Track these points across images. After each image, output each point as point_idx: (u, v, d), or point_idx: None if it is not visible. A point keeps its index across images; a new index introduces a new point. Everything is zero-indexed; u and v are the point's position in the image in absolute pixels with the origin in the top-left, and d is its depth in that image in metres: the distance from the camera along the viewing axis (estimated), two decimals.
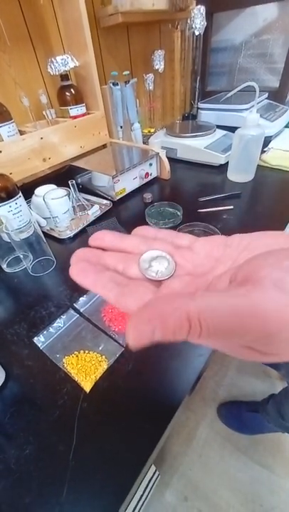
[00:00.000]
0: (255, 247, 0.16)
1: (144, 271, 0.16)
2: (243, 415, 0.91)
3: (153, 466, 0.64)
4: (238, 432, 0.92)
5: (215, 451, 0.92)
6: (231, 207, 0.62)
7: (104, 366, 0.34)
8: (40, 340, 0.38)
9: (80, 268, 0.16)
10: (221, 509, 0.82)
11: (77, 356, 0.35)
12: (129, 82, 0.80)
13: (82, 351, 0.36)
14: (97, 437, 0.28)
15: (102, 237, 0.19)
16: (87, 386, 0.32)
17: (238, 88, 0.60)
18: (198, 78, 1.16)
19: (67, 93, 0.70)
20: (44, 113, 0.72)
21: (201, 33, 0.95)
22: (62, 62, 0.64)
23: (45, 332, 0.39)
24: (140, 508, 0.65)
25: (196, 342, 0.13)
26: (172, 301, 0.12)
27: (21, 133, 0.65)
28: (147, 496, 0.68)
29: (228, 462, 0.90)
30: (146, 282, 0.16)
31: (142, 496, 0.63)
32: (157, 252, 0.18)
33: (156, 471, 0.69)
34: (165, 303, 0.13)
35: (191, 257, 0.17)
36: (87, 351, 0.36)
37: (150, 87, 0.95)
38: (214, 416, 0.97)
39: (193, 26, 0.92)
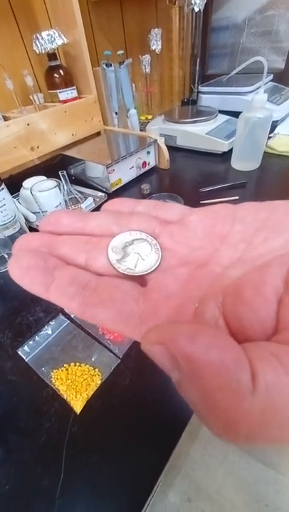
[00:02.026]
0: (277, 224, 0.11)
1: (115, 264, 0.11)
2: None
3: None
4: None
5: (218, 451, 0.90)
6: (236, 197, 0.57)
7: (98, 382, 0.30)
8: (25, 351, 0.33)
9: (24, 266, 0.11)
10: (225, 509, 0.80)
11: (66, 370, 0.31)
12: (123, 62, 0.73)
13: (72, 364, 0.32)
14: (88, 468, 0.24)
15: (58, 219, 0.13)
16: (77, 406, 0.28)
17: (245, 64, 0.54)
18: (198, 61, 1.09)
19: (55, 75, 0.64)
20: (31, 97, 0.66)
21: (201, 10, 0.88)
22: (49, 39, 0.58)
23: (30, 342, 0.34)
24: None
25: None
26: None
27: (6, 119, 0.59)
28: (150, 500, 0.66)
29: (231, 461, 0.88)
30: (123, 281, 0.11)
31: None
32: (134, 233, 0.12)
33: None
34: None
35: (185, 237, 0.12)
36: (78, 363, 0.32)
37: (147, 70, 0.88)
38: None
39: (193, 2, 0.85)
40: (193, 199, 0.58)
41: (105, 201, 0.61)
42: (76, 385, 0.29)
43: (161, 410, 0.27)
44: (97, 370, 0.31)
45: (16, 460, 0.25)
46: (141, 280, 0.12)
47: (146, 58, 0.86)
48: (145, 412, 0.27)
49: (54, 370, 0.31)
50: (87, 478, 0.24)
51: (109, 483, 0.24)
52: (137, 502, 0.23)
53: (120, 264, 0.11)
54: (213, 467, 0.87)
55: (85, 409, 0.28)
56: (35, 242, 0.12)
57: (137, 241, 0.12)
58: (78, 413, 0.28)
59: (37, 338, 0.35)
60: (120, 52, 0.73)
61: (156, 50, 0.88)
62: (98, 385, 0.30)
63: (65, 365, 0.32)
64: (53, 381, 0.30)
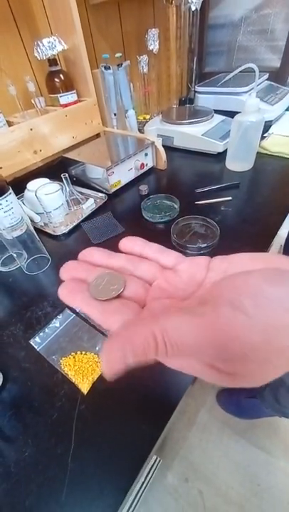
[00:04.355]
0: (232, 270, 0.16)
1: (93, 294, 0.17)
2: (241, 401, 0.93)
3: (154, 455, 0.66)
4: (236, 417, 0.95)
5: (214, 435, 0.95)
6: (230, 198, 0.60)
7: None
8: (36, 342, 0.37)
9: (70, 289, 0.17)
10: (220, 489, 0.86)
11: (74, 357, 0.35)
12: (121, 65, 0.75)
13: (79, 352, 0.36)
14: (95, 439, 0.29)
15: (91, 254, 0.19)
16: (84, 388, 0.32)
17: (237, 70, 0.57)
18: (195, 58, 1.10)
19: (56, 79, 0.66)
20: (33, 101, 0.68)
21: (198, 8, 0.89)
22: (50, 46, 0.60)
23: (41, 333, 0.38)
24: (143, 491, 0.68)
25: (168, 363, 0.15)
26: (139, 324, 0.14)
27: (9, 124, 0.62)
28: (149, 480, 0.71)
29: (227, 445, 0.93)
30: (130, 302, 0.17)
31: (143, 482, 0.65)
32: (108, 272, 0.18)
33: (157, 458, 0.71)
34: (133, 327, 0.14)
35: (174, 280, 0.18)
36: (84, 352, 0.36)
37: (144, 70, 0.90)
38: (213, 402, 0.99)
39: (190, 0, 0.86)
40: (189, 199, 0.61)
41: (105, 202, 0.64)
42: (83, 370, 0.34)
43: (156, 391, 0.32)
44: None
45: (33, 433, 0.30)
46: (141, 303, 0.17)
47: (144, 58, 0.88)
48: (143, 393, 0.32)
49: (63, 358, 0.35)
50: (94, 446, 0.28)
51: (112, 450, 0.28)
52: (135, 465, 0.27)
53: (97, 294, 0.17)
54: (210, 451, 0.93)
55: (91, 390, 0.32)
56: (79, 267, 0.18)
57: (109, 277, 0.18)
58: (85, 394, 0.32)
59: (46, 330, 0.39)
60: (118, 54, 0.75)
61: (154, 50, 0.90)
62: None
63: (72, 353, 0.36)
64: (62, 367, 0.34)
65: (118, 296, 0.17)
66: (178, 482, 0.88)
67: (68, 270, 0.18)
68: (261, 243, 0.50)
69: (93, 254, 0.19)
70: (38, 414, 0.31)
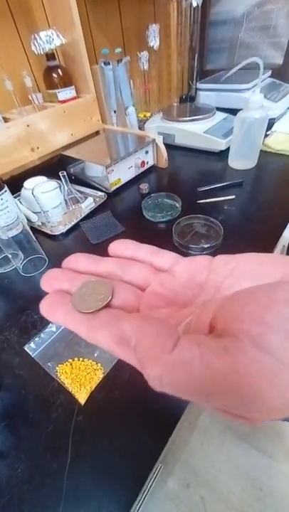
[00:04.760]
0: (240, 273, 0.14)
1: (77, 306, 0.14)
2: None
3: None
4: None
5: (216, 439, 0.94)
6: (233, 197, 0.58)
7: (100, 375, 0.32)
8: (31, 348, 0.36)
9: (50, 303, 0.15)
10: (222, 494, 0.84)
11: (71, 364, 0.33)
12: (121, 60, 0.73)
13: (76, 359, 0.34)
14: (93, 454, 0.27)
15: (77, 261, 0.17)
16: (81, 398, 0.30)
17: (241, 65, 0.55)
18: (197, 56, 1.09)
19: (54, 74, 0.64)
20: (30, 97, 0.66)
21: (199, 4, 0.87)
22: (47, 39, 0.58)
23: (36, 338, 0.36)
24: (144, 498, 0.66)
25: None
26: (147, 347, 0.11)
27: (6, 120, 0.60)
28: (150, 488, 0.69)
29: (228, 449, 0.92)
30: (118, 311, 0.14)
31: (144, 490, 0.63)
32: (92, 280, 0.16)
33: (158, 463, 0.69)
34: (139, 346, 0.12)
35: (171, 284, 0.16)
36: (81, 359, 0.34)
37: (145, 67, 0.88)
38: None
39: None
40: (191, 198, 0.59)
41: (105, 201, 0.62)
42: (80, 379, 0.32)
43: (158, 401, 0.30)
44: (99, 364, 0.33)
45: (27, 447, 0.28)
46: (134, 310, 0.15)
47: (145, 55, 0.86)
48: (144, 403, 0.30)
49: (59, 365, 0.33)
50: (92, 461, 0.26)
51: (112, 466, 0.26)
52: (137, 482, 0.25)
53: (80, 306, 0.15)
54: (212, 455, 0.91)
55: (89, 400, 0.30)
56: (61, 276, 0.16)
57: (95, 285, 0.15)
58: (83, 404, 0.30)
59: (42, 335, 0.37)
60: (118, 50, 0.74)
61: (155, 47, 0.88)
62: (101, 379, 0.32)
63: (69, 360, 0.34)
64: (59, 375, 0.32)
65: (106, 306, 0.14)
66: (179, 487, 0.87)
67: (49, 280, 0.16)
68: (266, 243, 0.48)
69: (78, 260, 0.17)
70: (32, 426, 0.29)
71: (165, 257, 0.17)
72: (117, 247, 0.18)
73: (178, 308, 0.15)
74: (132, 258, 0.17)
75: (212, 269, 0.15)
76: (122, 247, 0.18)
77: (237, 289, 0.14)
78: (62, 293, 0.15)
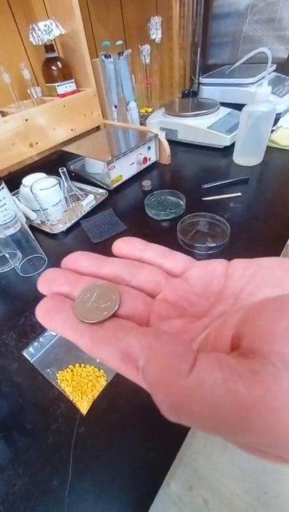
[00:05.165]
0: (261, 281, 0.13)
1: (78, 315, 0.13)
2: None
3: None
4: None
5: (219, 441, 0.92)
6: (239, 194, 0.56)
7: (103, 383, 0.30)
8: (30, 353, 0.34)
9: (46, 309, 0.13)
10: (225, 497, 0.83)
11: (72, 371, 0.31)
12: (122, 53, 0.71)
13: (77, 365, 0.32)
14: (96, 469, 0.25)
15: (78, 260, 0.15)
16: (83, 407, 0.28)
17: (248, 56, 0.53)
18: (199, 50, 1.06)
19: (53, 67, 0.62)
20: (29, 91, 0.64)
21: None
22: (46, 30, 0.56)
23: (35, 343, 0.34)
24: None
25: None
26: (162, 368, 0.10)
27: (3, 114, 0.58)
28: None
29: (232, 451, 0.90)
30: (128, 322, 0.13)
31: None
32: (98, 284, 0.14)
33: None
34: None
35: (185, 292, 0.14)
36: (83, 365, 0.32)
37: (146, 61, 0.86)
38: None
39: None
40: (195, 196, 0.57)
41: (106, 198, 0.60)
42: (82, 386, 0.30)
43: None
44: (102, 371, 0.31)
45: (25, 461, 0.26)
46: (142, 322, 0.13)
47: (146, 48, 0.84)
48: (150, 414, 0.28)
49: (59, 371, 0.31)
50: (95, 477, 0.24)
51: (116, 483, 0.24)
52: (143, 501, 0.23)
53: (84, 315, 0.13)
54: (215, 457, 0.89)
55: (91, 410, 0.28)
56: (60, 278, 0.14)
57: (100, 290, 0.14)
58: (85, 414, 0.28)
59: (41, 339, 0.35)
60: (119, 42, 0.71)
61: (156, 40, 0.86)
62: (103, 387, 0.30)
63: (70, 366, 0.32)
64: (59, 382, 0.31)
65: (112, 316, 0.13)
66: (182, 490, 0.85)
67: (47, 282, 0.14)
68: (275, 242, 0.46)
69: (79, 260, 0.15)
70: (31, 437, 0.27)
71: (178, 260, 0.15)
72: (122, 246, 0.16)
73: (192, 320, 0.13)
74: (139, 259, 0.15)
75: (229, 275, 0.14)
76: (129, 246, 0.16)
77: (258, 298, 0.12)
78: (62, 297, 0.14)
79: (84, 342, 0.12)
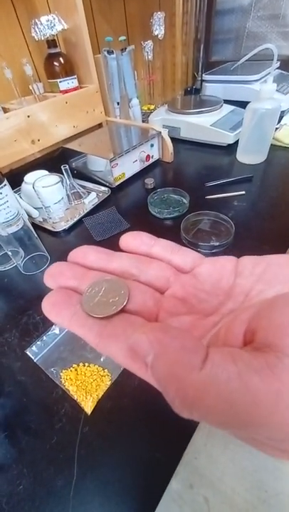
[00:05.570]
0: (271, 278, 0.12)
1: (86, 309, 0.12)
2: None
3: None
4: None
5: (219, 440, 0.92)
6: (243, 192, 0.56)
7: (107, 382, 0.30)
8: (33, 352, 0.33)
9: (53, 302, 0.13)
10: (226, 496, 0.83)
11: (76, 370, 0.31)
12: (125, 49, 0.70)
13: (81, 364, 0.32)
14: (101, 469, 0.25)
15: (85, 254, 0.15)
16: (88, 407, 0.28)
17: (253, 52, 0.52)
18: (202, 46, 1.05)
19: (55, 63, 0.61)
20: (31, 87, 0.63)
21: None
22: (48, 25, 0.55)
23: (38, 342, 0.34)
24: None
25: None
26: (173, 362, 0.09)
27: (5, 111, 0.57)
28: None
29: (232, 450, 0.90)
30: (136, 317, 0.12)
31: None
32: (106, 278, 0.14)
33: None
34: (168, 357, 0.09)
35: (194, 288, 0.14)
36: (87, 364, 0.32)
37: (149, 57, 0.85)
38: None
39: None
40: (199, 194, 0.57)
41: (108, 196, 0.60)
42: (86, 386, 0.30)
43: (172, 410, 0.28)
44: (106, 370, 0.31)
45: (29, 461, 0.26)
46: (151, 318, 0.13)
47: (149, 44, 0.83)
48: (156, 413, 0.28)
49: (63, 371, 0.31)
50: (100, 477, 0.24)
51: (122, 483, 0.24)
52: (149, 502, 0.23)
53: (92, 310, 0.13)
54: (216, 456, 0.89)
55: (95, 410, 0.28)
56: (67, 272, 0.14)
57: (108, 284, 0.13)
58: (89, 414, 0.28)
59: (45, 338, 0.35)
60: (122, 38, 0.70)
61: (159, 36, 0.85)
62: (108, 386, 0.30)
63: (74, 365, 0.32)
64: (63, 381, 0.30)
65: (121, 311, 0.12)
66: (182, 488, 0.85)
67: (54, 275, 0.14)
68: (280, 241, 0.45)
69: (87, 254, 0.15)
70: (35, 437, 0.27)
71: (187, 256, 0.15)
72: (129, 240, 0.15)
73: (201, 317, 0.13)
74: (147, 254, 0.15)
75: (238, 272, 0.13)
76: (136, 240, 0.15)
77: (268, 296, 0.12)
78: (69, 291, 0.13)
79: (92, 337, 0.12)
